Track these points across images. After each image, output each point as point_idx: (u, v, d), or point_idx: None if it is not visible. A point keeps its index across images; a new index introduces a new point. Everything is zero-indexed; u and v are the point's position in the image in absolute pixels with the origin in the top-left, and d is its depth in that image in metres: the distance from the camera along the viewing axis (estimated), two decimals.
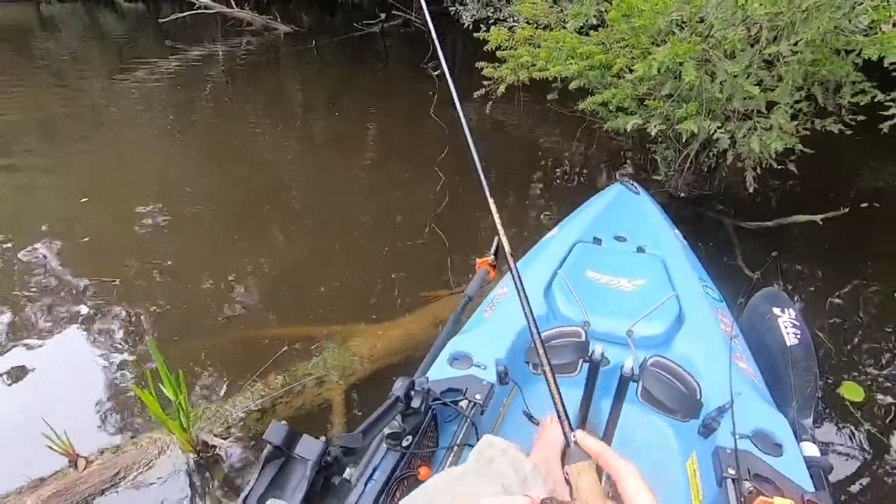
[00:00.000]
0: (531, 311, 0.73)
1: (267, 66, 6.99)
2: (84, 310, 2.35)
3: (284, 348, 2.05)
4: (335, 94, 5.80)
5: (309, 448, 0.68)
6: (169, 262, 2.68)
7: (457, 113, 1.09)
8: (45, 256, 2.70)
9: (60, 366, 2.06)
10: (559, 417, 0.60)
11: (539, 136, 4.27)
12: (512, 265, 0.85)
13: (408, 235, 2.91)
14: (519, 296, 0.81)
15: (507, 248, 0.91)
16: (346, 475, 0.79)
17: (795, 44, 1.79)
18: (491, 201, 0.98)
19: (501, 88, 2.82)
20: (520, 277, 0.85)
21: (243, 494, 0.66)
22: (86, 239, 2.89)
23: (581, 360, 1.14)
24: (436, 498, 0.73)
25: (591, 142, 3.86)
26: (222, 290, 2.49)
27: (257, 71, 6.64)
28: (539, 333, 0.71)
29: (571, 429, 0.54)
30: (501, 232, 0.93)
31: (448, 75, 1.23)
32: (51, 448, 1.50)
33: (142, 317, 2.31)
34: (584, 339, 1.15)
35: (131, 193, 3.38)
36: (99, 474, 1.50)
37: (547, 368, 0.74)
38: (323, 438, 0.70)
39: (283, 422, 0.69)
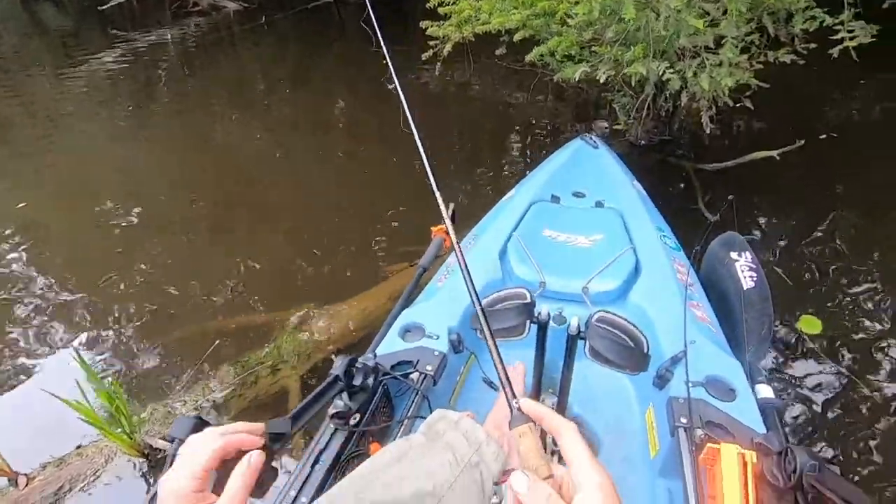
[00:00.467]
0: (472, 280, 0.69)
1: (220, 48, 6.67)
2: (9, 314, 2.24)
3: (233, 340, 1.99)
4: (293, 72, 5.56)
5: None
6: (116, 259, 2.56)
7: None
8: None
9: None
10: (501, 384, 0.58)
11: (494, 95, 4.14)
12: (450, 229, 0.78)
13: (365, 210, 2.82)
14: (459, 265, 0.75)
15: (446, 215, 0.84)
16: (275, 463, 0.73)
17: None
18: (428, 167, 0.91)
19: (448, 47, 2.69)
20: (461, 253, 0.79)
21: (149, 494, 0.62)
22: (26, 243, 2.73)
23: (528, 322, 1.10)
24: (376, 478, 0.68)
25: (546, 95, 3.75)
26: (167, 285, 2.38)
27: (210, 53, 6.33)
28: (479, 300, 0.67)
29: (514, 395, 0.54)
30: (440, 201, 0.87)
31: (382, 43, 1.14)
32: None
33: (72, 323, 2.21)
34: (529, 300, 1.11)
35: (82, 191, 3.22)
36: (41, 490, 1.43)
37: (487, 335, 0.71)
38: None
39: (191, 414, 0.69)
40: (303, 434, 1.51)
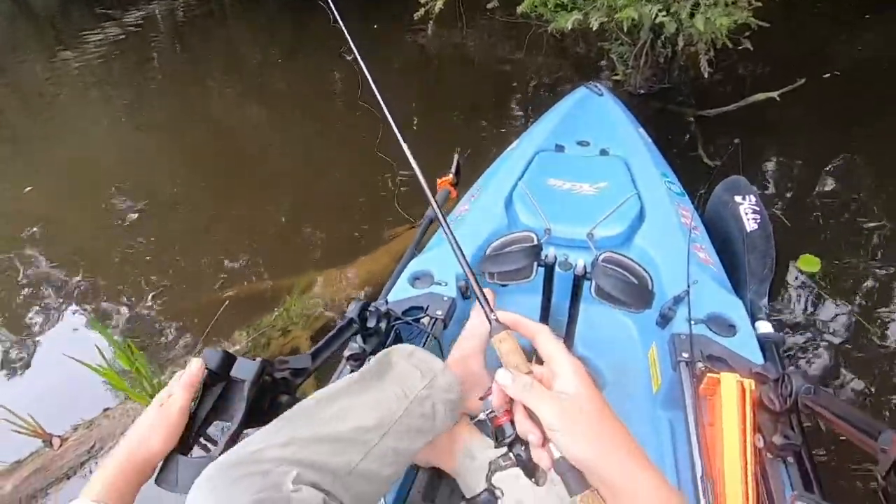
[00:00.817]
0: (453, 236, 0.70)
1: (211, 20, 6.46)
2: (25, 294, 2.28)
3: (243, 306, 2.02)
4: (290, 41, 5.40)
5: (245, 369, 0.69)
6: (120, 235, 2.58)
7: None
8: None
9: (11, 355, 2.02)
10: (478, 300, 0.60)
11: (489, 52, 4.03)
12: (431, 200, 0.78)
13: (368, 172, 2.79)
14: (439, 220, 0.76)
15: (423, 182, 0.84)
16: (299, 395, 0.79)
17: None
18: (395, 128, 0.90)
19: (439, 5, 2.61)
20: (441, 211, 0.79)
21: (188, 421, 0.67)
22: (37, 226, 2.75)
23: (535, 265, 1.13)
24: (316, 414, 0.71)
25: (543, 50, 3.65)
26: (179, 254, 2.41)
27: (202, 27, 6.13)
28: (460, 248, 0.68)
29: (491, 310, 0.57)
30: (416, 168, 0.86)
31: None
32: (18, 432, 1.49)
33: (91, 293, 2.25)
34: (536, 242, 1.13)
35: (82, 172, 3.21)
36: (75, 449, 1.50)
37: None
38: (259, 359, 0.71)
39: (218, 348, 0.70)
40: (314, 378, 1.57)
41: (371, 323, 1.01)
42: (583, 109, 2.01)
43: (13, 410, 1.48)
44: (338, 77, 4.23)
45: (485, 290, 0.61)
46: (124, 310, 2.17)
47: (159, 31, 6.01)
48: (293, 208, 2.68)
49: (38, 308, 2.24)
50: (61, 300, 2.27)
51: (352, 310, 0.98)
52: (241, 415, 0.67)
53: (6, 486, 1.42)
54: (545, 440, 0.49)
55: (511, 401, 0.52)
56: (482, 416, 0.57)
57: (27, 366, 1.99)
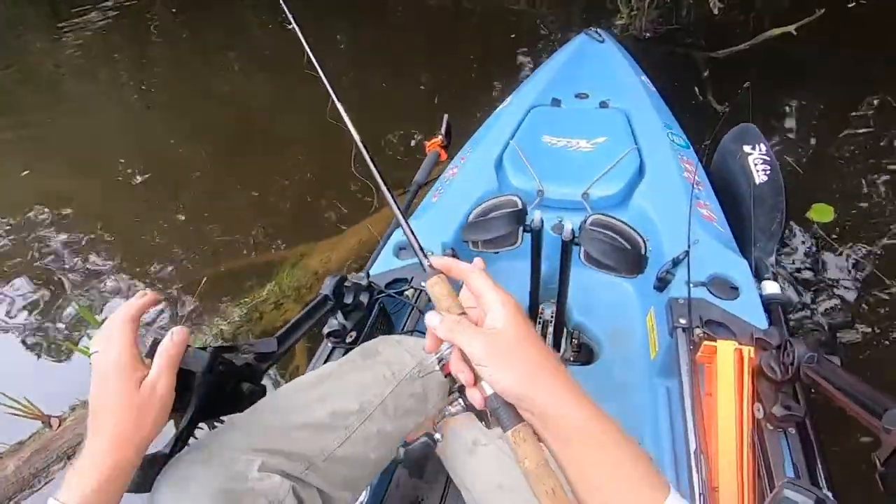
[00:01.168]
0: (406, 220, 0.62)
1: None
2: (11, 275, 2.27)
3: (234, 281, 2.00)
4: (296, 5, 5.15)
5: (195, 361, 0.64)
6: (109, 212, 2.55)
7: None
8: None
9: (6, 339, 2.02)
10: (413, 248, 0.58)
11: (489, 1, 3.80)
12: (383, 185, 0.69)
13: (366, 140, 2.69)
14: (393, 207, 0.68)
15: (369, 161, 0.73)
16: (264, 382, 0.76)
17: None
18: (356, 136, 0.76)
19: None
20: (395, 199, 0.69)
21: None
22: (37, 205, 2.72)
23: (521, 230, 1.06)
24: (296, 400, 0.68)
25: None
26: (169, 231, 2.38)
27: None
28: (408, 224, 0.62)
29: (425, 256, 0.56)
30: (380, 182, 0.74)
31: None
32: (16, 415, 1.51)
33: (71, 271, 2.24)
34: (520, 206, 1.06)
35: (89, 150, 3.14)
36: (73, 428, 1.52)
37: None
38: (210, 348, 0.66)
39: (209, 347, 0.66)
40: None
41: (349, 299, 0.97)
42: (582, 59, 1.91)
43: (6, 393, 1.50)
44: (338, 30, 4.05)
45: (476, 259, 0.55)
46: (112, 283, 2.17)
47: (158, 2, 5.80)
48: (281, 180, 2.61)
49: (29, 290, 2.24)
50: (46, 271, 2.27)
51: (326, 286, 0.94)
52: (192, 408, 0.62)
53: (8, 467, 1.45)
54: (476, 379, 0.48)
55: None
56: (435, 364, 0.53)
57: (18, 349, 2.00)
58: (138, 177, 2.77)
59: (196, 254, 2.24)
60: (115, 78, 4.30)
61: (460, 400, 0.54)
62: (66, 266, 2.28)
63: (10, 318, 2.09)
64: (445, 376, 0.55)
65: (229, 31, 4.70)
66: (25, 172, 3.01)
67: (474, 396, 0.48)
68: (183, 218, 2.43)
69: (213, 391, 0.66)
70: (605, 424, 0.45)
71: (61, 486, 0.49)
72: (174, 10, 5.41)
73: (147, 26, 5.06)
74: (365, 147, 0.73)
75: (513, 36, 3.36)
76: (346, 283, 0.97)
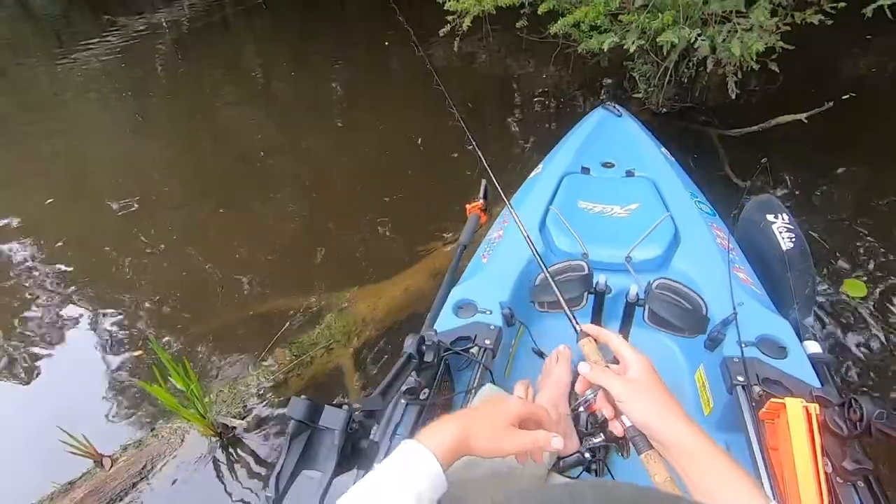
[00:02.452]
0: (536, 250, 0.77)
1: (216, 29, 6.54)
2: (78, 312, 2.31)
3: (287, 323, 2.04)
4: (293, 50, 5.47)
5: (333, 418, 0.69)
6: (155, 250, 2.61)
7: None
8: (26, 263, 2.62)
9: (67, 372, 2.05)
10: (568, 317, 0.78)
11: (513, 69, 4.09)
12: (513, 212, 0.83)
13: (392, 190, 2.83)
14: (522, 234, 0.82)
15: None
16: (372, 437, 0.81)
17: None
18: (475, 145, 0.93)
19: (467, 22, 2.66)
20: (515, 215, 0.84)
21: (275, 471, 0.66)
22: (62, 238, 2.78)
23: (586, 293, 1.15)
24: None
25: (566, 67, 3.70)
26: (215, 270, 2.44)
27: (207, 35, 6.21)
28: (546, 267, 0.77)
29: (577, 322, 0.76)
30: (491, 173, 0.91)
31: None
32: (72, 453, 1.51)
33: (139, 309, 2.28)
34: (587, 271, 1.16)
35: (100, 184, 3.24)
36: (126, 470, 1.52)
37: (560, 299, 0.84)
38: (345, 406, 0.71)
39: (303, 396, 0.70)
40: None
41: (428, 357, 1.01)
42: (603, 131, 2.02)
43: (68, 431, 1.50)
44: (336, 84, 4.27)
45: (563, 349, 0.73)
46: (162, 321, 2.20)
47: (164, 38, 6.08)
48: (321, 223, 2.72)
49: (87, 320, 2.28)
50: (112, 312, 2.31)
51: (409, 344, 0.98)
52: (334, 465, 0.67)
53: None
54: (617, 413, 0.65)
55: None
56: (580, 407, 0.71)
57: (68, 378, 2.03)
58: (140, 209, 2.86)
59: (238, 294, 2.30)
60: (111, 106, 4.43)
61: (602, 433, 0.71)
62: (140, 303, 2.32)
63: (85, 350, 2.11)
64: (589, 414, 0.71)
65: (229, 70, 4.89)
66: (49, 201, 3.08)
67: (615, 427, 0.65)
68: (204, 265, 2.50)
69: (346, 447, 0.70)
70: (711, 447, 0.60)
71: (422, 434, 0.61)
72: (179, 49, 5.65)
73: (152, 61, 5.26)
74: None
75: (538, 99, 3.60)
76: (426, 343, 1.00)
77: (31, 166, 3.62)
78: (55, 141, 3.88)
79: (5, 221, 2.93)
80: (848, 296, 1.95)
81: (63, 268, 2.56)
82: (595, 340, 0.74)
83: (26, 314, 2.33)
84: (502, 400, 0.72)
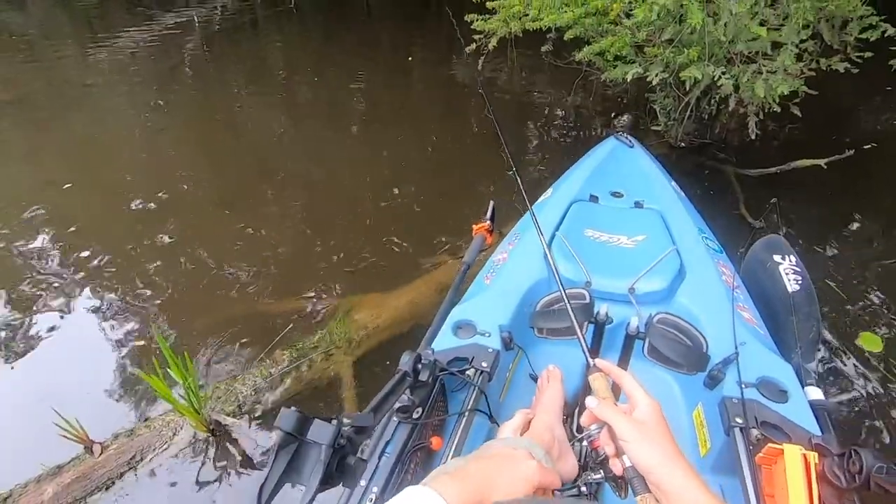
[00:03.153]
0: (556, 268, 0.78)
1: (245, 30, 6.69)
2: (84, 296, 2.33)
3: (290, 325, 2.05)
4: (319, 56, 5.58)
5: (321, 432, 0.68)
6: (166, 243, 2.64)
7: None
8: (39, 244, 2.66)
9: (66, 354, 2.06)
10: (583, 351, 0.79)
11: (534, 91, 4.13)
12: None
13: (405, 202, 2.86)
14: (542, 244, 0.83)
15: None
16: (360, 454, 0.79)
17: None
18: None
19: (493, 42, 2.70)
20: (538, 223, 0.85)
21: (261, 483, 0.65)
22: (74, 223, 2.83)
23: (586, 322, 1.14)
24: None
25: (587, 94, 3.74)
26: (222, 267, 2.46)
27: (236, 35, 6.35)
28: (564, 290, 0.77)
29: (591, 355, 0.76)
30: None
31: None
32: (64, 436, 1.51)
33: (144, 300, 2.30)
34: (588, 300, 1.15)
35: (119, 174, 3.29)
36: (115, 458, 1.52)
37: (576, 325, 0.88)
38: (334, 421, 0.70)
39: (293, 408, 0.69)
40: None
41: (423, 376, 0.99)
42: (614, 160, 2.02)
43: (62, 413, 1.51)
44: (357, 93, 4.33)
45: (552, 369, 0.73)
46: (167, 316, 2.21)
47: (194, 34, 6.21)
48: (332, 228, 2.74)
49: (93, 307, 2.30)
50: (118, 300, 2.33)
51: (405, 362, 0.96)
52: (319, 478, 0.66)
53: (48, 491, 1.43)
54: (619, 452, 0.65)
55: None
56: (584, 441, 0.72)
57: (67, 360, 2.04)
58: (156, 203, 2.89)
59: (243, 292, 2.31)
60: (137, 97, 4.49)
61: (602, 469, 0.71)
62: (146, 293, 2.35)
63: (87, 334, 2.14)
64: (592, 449, 0.71)
65: (255, 72, 4.97)
66: (67, 186, 3.14)
67: (615, 465, 0.65)
68: (212, 262, 2.52)
69: (332, 462, 0.69)
70: (710, 499, 0.59)
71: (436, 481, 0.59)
72: (207, 46, 5.74)
73: (180, 56, 5.37)
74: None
75: (556, 123, 3.62)
76: (422, 361, 0.99)
77: (53, 150, 3.69)
78: (78, 127, 3.97)
79: (24, 202, 2.98)
80: (864, 349, 1.91)
81: (73, 252, 2.59)
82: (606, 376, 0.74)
83: (32, 293, 2.36)
84: (520, 462, 0.66)
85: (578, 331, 0.79)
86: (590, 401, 0.69)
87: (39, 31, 6.92)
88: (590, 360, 0.73)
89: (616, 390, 0.78)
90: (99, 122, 4.02)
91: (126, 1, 8.25)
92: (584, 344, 0.79)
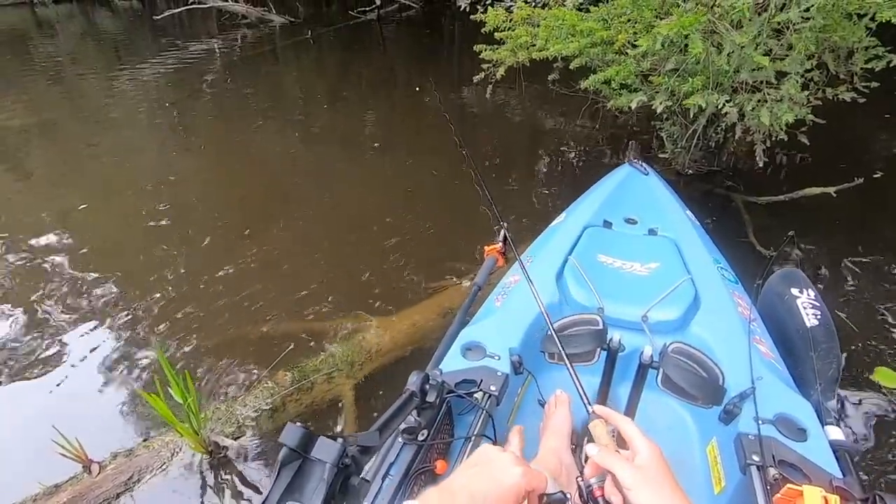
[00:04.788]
0: (545, 308, 0.75)
1: (264, 60, 6.93)
2: (90, 315, 2.34)
3: (292, 345, 2.04)
4: (334, 86, 5.74)
5: (326, 450, 0.66)
6: (173, 263, 2.67)
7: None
8: (50, 261, 2.70)
9: (68, 372, 2.06)
10: (581, 399, 0.77)
11: (542, 119, 4.20)
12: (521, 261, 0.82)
13: (413, 224, 2.88)
14: (531, 288, 0.80)
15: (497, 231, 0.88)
16: (363, 474, 0.76)
17: (807, 10, 1.71)
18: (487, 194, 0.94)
19: (501, 71, 2.76)
20: (526, 271, 0.84)
21: (262, 499, 0.64)
22: (87, 242, 2.87)
23: (599, 349, 1.11)
24: None
25: (595, 122, 3.79)
26: (228, 287, 2.47)
27: (255, 65, 6.58)
28: (552, 324, 0.74)
29: (589, 402, 0.75)
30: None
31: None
32: (63, 455, 1.50)
33: (149, 319, 2.30)
34: (601, 326, 1.12)
35: (133, 195, 3.36)
36: (113, 478, 1.49)
37: (565, 357, 0.85)
38: (340, 440, 0.68)
39: (299, 423, 0.67)
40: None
41: (431, 397, 0.98)
42: (629, 187, 2.02)
43: (61, 430, 1.50)
44: (368, 121, 4.42)
45: (559, 394, 0.71)
46: (168, 335, 2.20)
47: (215, 64, 6.45)
48: (339, 250, 2.76)
49: (98, 325, 2.31)
50: (122, 318, 2.34)
51: (413, 382, 0.95)
52: (322, 497, 0.64)
53: None
54: (625, 502, 0.63)
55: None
56: (583, 489, 0.69)
57: (69, 377, 2.03)
58: (172, 224, 2.92)
59: (246, 313, 2.31)
60: (159, 123, 4.62)
61: None
62: (152, 312, 2.36)
63: (90, 353, 2.13)
64: (594, 500, 0.67)
65: (273, 100, 5.11)
66: (82, 206, 3.20)
67: None
68: (218, 283, 2.53)
69: (335, 482, 0.66)
70: None
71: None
72: (229, 74, 5.93)
73: (201, 85, 5.53)
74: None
75: (563, 150, 3.66)
76: (430, 382, 0.97)
77: (71, 171, 3.79)
78: (97, 149, 4.09)
79: (38, 221, 3.05)
80: (880, 385, 1.84)
81: (82, 271, 2.62)
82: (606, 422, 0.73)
83: (39, 310, 2.37)
84: (504, 468, 0.64)
85: (577, 381, 0.77)
86: (590, 448, 0.68)
87: (68, 58, 7.23)
88: (588, 406, 0.72)
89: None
90: (119, 146, 4.13)
91: (151, 32, 8.64)
92: (581, 391, 0.77)
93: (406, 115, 4.70)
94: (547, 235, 1.84)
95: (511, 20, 2.70)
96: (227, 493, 1.56)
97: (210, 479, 1.57)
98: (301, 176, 3.67)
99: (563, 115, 4.10)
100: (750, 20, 1.88)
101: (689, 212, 1.91)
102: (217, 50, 7.17)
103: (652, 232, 1.76)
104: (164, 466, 1.54)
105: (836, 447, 1.08)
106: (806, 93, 2.13)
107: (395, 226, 2.89)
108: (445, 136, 3.79)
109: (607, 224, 1.80)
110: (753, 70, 1.96)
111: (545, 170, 3.49)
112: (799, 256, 2.39)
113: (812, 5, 1.72)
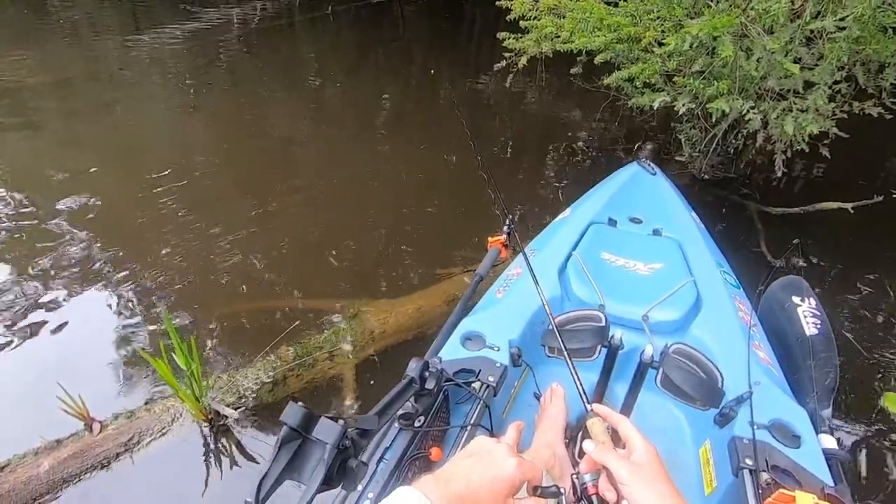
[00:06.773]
0: (548, 304, 0.75)
1: (282, 32, 6.86)
2: (100, 277, 2.37)
3: (297, 321, 2.05)
4: (350, 63, 5.69)
5: (327, 431, 0.66)
6: (183, 232, 2.68)
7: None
8: (60, 222, 2.72)
9: (75, 331, 2.09)
10: (579, 394, 0.78)
11: (559, 112, 4.15)
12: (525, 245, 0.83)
13: (422, 210, 2.87)
14: (533, 281, 0.81)
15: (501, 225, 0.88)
16: (361, 457, 0.76)
17: (842, 19, 1.67)
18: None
19: (523, 61, 2.71)
20: (529, 264, 0.84)
21: (260, 476, 0.63)
22: (98, 205, 2.89)
23: (599, 346, 1.12)
24: None
25: (613, 119, 3.74)
26: (237, 260, 2.48)
27: (272, 37, 6.52)
28: (553, 318, 0.74)
29: (588, 398, 0.77)
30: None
31: None
32: (65, 411, 1.52)
33: (157, 285, 2.33)
34: (603, 323, 1.13)
35: (145, 160, 3.36)
36: (114, 438, 1.53)
37: (565, 352, 0.84)
38: (341, 421, 0.68)
39: (300, 403, 0.66)
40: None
41: (429, 384, 0.98)
42: (635, 186, 2.01)
43: (66, 388, 1.52)
44: (384, 102, 4.38)
45: (555, 387, 0.72)
46: (179, 302, 2.23)
47: (232, 33, 6.38)
48: (348, 230, 2.76)
49: (107, 288, 2.33)
50: (131, 283, 2.36)
51: (412, 368, 0.95)
52: (321, 478, 0.64)
53: (43, 465, 1.44)
54: (619, 499, 0.65)
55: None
56: (578, 486, 0.70)
57: (76, 336, 2.07)
58: (180, 193, 2.93)
59: (256, 286, 2.33)
60: (171, 90, 4.60)
61: None
62: (160, 278, 2.37)
63: (98, 312, 2.16)
64: (589, 496, 0.69)
65: (287, 73, 5.06)
66: (93, 169, 3.20)
67: None
68: (228, 253, 2.54)
69: (334, 463, 0.66)
70: None
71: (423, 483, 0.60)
72: (245, 45, 5.87)
73: (216, 53, 5.49)
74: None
75: (578, 144, 3.62)
76: (429, 369, 0.97)
77: (84, 133, 3.79)
78: (110, 112, 4.08)
79: (48, 181, 3.06)
80: (888, 410, 1.83)
81: (92, 234, 2.64)
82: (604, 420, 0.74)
83: (48, 269, 2.40)
84: (499, 459, 0.64)
85: (576, 377, 0.78)
86: (586, 444, 0.70)
87: (87, 21, 7.19)
88: (586, 403, 0.73)
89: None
90: (131, 109, 4.13)
91: None
92: (580, 387, 0.78)
93: (420, 100, 4.66)
94: (551, 230, 1.84)
95: (537, 9, 2.66)
96: (225, 461, 1.59)
97: (209, 446, 1.60)
98: (313, 153, 3.66)
99: (581, 109, 4.05)
100: (783, 26, 1.84)
101: (694, 214, 1.91)
102: (235, 20, 7.09)
103: (656, 232, 1.76)
104: (164, 430, 1.57)
105: (829, 455, 1.08)
106: (832, 105, 2.09)
107: (404, 209, 2.89)
108: (459, 123, 3.77)
109: (612, 222, 1.80)
110: (781, 78, 1.92)
111: (556, 164, 3.47)
112: (802, 265, 2.37)
113: (849, 15, 1.68)
